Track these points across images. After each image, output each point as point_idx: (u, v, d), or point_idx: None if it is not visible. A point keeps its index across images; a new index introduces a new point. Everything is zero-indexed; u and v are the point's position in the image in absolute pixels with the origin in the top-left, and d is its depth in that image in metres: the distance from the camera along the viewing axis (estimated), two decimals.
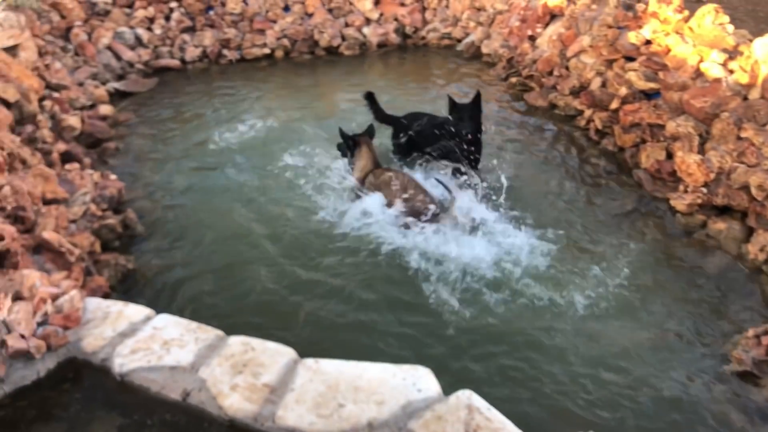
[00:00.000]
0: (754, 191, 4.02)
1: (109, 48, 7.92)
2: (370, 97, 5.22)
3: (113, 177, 5.09)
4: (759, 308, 3.54)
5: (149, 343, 2.54)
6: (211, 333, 2.58)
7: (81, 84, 7.06)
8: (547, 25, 6.89)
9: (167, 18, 8.36)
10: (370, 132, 4.79)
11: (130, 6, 8.34)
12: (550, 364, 3.19)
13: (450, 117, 4.78)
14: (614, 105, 5.33)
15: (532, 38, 6.97)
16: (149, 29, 8.26)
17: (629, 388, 3.06)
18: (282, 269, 3.97)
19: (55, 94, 6.18)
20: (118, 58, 7.91)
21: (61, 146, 5.27)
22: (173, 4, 8.42)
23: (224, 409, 2.26)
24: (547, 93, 6.22)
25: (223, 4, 8.46)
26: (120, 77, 7.68)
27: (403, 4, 8.57)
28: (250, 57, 8.19)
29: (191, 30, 8.33)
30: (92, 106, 6.67)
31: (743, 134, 4.20)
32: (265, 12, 8.42)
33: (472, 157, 4.65)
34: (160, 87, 7.52)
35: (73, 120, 5.84)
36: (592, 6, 6.27)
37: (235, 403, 2.25)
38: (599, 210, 4.56)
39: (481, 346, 3.28)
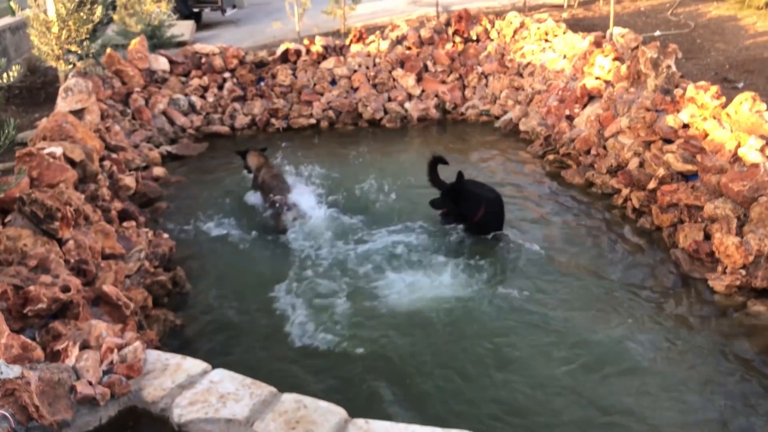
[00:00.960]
0: None
1: (164, 113, 8.39)
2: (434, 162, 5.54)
3: (165, 236, 5.35)
4: None
5: (206, 395, 2.67)
6: (265, 389, 2.69)
7: (136, 146, 7.47)
8: (585, 106, 7.12)
9: (220, 87, 8.84)
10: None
11: (186, 75, 8.85)
12: None
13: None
14: (652, 185, 5.45)
15: (570, 118, 7.20)
16: (203, 97, 8.74)
17: None
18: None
19: (114, 155, 6.55)
20: (172, 122, 8.36)
21: (118, 204, 5.57)
22: (226, 75, 8.92)
23: None
24: (584, 171, 6.37)
25: (274, 77, 8.93)
26: (173, 141, 8.09)
27: (444, 82, 8.94)
28: (297, 126, 8.57)
29: (242, 99, 8.78)
30: (146, 168, 7.04)
31: None
32: (313, 85, 8.85)
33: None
34: (210, 151, 7.90)
35: (128, 180, 6.16)
36: (630, 89, 6.50)
37: None
38: (636, 288, 4.62)
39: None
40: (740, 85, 6.57)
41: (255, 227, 5.67)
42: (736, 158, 4.86)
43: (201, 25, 12.90)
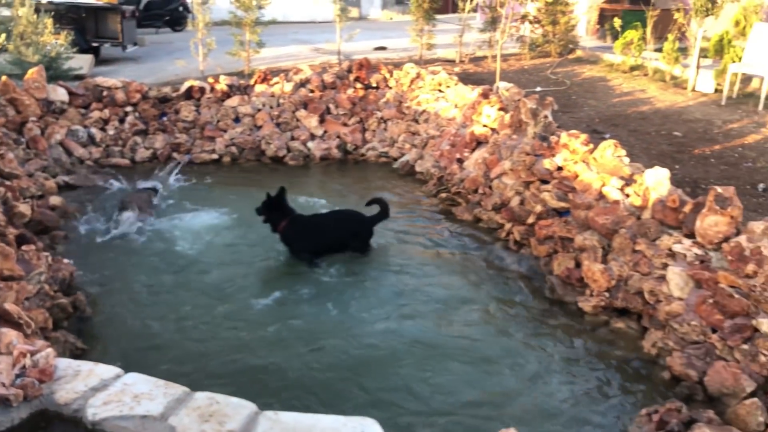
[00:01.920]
0: (646, 296, 4.70)
1: (61, 144, 8.27)
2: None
3: (66, 261, 5.32)
4: (652, 392, 4.09)
5: (120, 396, 2.80)
6: (178, 389, 2.86)
7: (31, 175, 7.32)
8: (473, 150, 7.77)
9: (121, 120, 8.83)
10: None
11: (86, 107, 8.79)
12: None
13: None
14: (531, 220, 6.06)
15: (460, 161, 7.81)
16: (103, 129, 8.69)
17: None
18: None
19: (7, 182, 6.41)
20: (69, 153, 8.25)
21: (13, 230, 5.47)
22: (128, 109, 8.93)
23: None
24: (473, 208, 6.94)
25: (177, 112, 9.05)
26: (69, 172, 7.97)
27: (345, 124, 9.39)
28: (199, 161, 8.68)
29: (144, 133, 8.81)
30: (41, 197, 6.91)
31: (637, 247, 4.94)
32: (217, 122, 9.04)
33: None
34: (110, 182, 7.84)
35: (23, 207, 6.05)
36: (513, 136, 7.19)
37: None
38: (516, 308, 5.13)
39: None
40: (607, 135, 7.42)
41: (156, 253, 5.82)
42: (601, 196, 5.55)
43: (100, 60, 12.75)
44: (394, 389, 4.03)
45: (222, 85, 9.30)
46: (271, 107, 9.26)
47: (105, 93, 8.88)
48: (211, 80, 9.47)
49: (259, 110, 9.18)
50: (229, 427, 2.62)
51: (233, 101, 9.20)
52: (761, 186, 5.93)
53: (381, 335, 4.64)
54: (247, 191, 7.15)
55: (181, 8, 19.84)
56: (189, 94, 9.22)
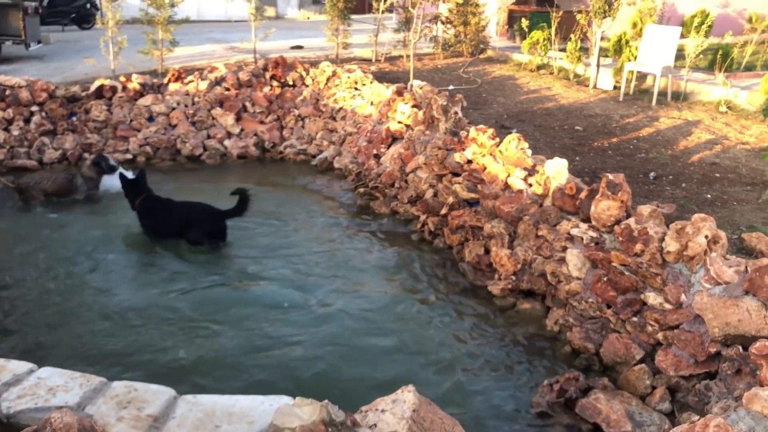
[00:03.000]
0: (548, 277, 5.04)
1: None
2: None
3: None
4: (554, 365, 4.41)
5: (35, 389, 2.80)
6: (95, 379, 2.89)
7: None
8: (389, 146, 7.99)
9: (27, 121, 8.52)
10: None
11: None
12: None
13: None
14: (444, 211, 6.33)
15: (377, 156, 8.01)
16: (6, 130, 8.36)
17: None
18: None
19: None
20: None
21: None
22: (34, 108, 8.63)
23: None
24: (390, 201, 7.15)
25: (87, 112, 8.81)
26: None
27: (262, 122, 9.42)
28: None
29: (52, 133, 8.53)
30: None
31: (540, 233, 5.28)
32: (130, 121, 8.86)
33: None
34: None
35: None
36: (426, 132, 7.46)
37: (122, 431, 2.58)
38: (433, 295, 5.37)
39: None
40: (514, 130, 7.81)
41: (67, 253, 5.75)
42: (506, 186, 5.88)
43: (1, 58, 12.19)
44: (312, 375, 4.17)
45: (134, 83, 9.13)
46: (186, 106, 9.17)
47: (8, 92, 8.55)
48: (123, 79, 9.28)
49: (174, 109, 9.07)
50: (148, 411, 2.68)
51: (146, 100, 9.05)
52: (652, 174, 6.44)
53: (297, 327, 4.77)
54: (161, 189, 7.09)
55: (88, 5, 19.18)
56: (100, 94, 9.00)
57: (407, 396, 1.97)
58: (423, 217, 6.61)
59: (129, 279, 5.49)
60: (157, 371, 3.99)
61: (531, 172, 5.81)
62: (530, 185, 5.69)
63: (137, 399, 2.76)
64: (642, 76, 10.03)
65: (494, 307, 5.20)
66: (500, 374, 4.35)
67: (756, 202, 5.66)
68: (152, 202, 6.23)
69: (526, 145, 6.15)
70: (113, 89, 9.04)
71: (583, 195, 5.10)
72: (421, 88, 8.67)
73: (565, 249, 5.00)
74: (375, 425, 1.87)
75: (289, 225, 6.68)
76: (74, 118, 8.75)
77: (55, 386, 2.83)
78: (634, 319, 4.33)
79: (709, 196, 5.84)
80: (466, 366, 4.40)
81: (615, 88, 10.14)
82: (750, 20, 14.64)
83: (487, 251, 5.66)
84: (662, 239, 4.36)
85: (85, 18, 18.91)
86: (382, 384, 4.06)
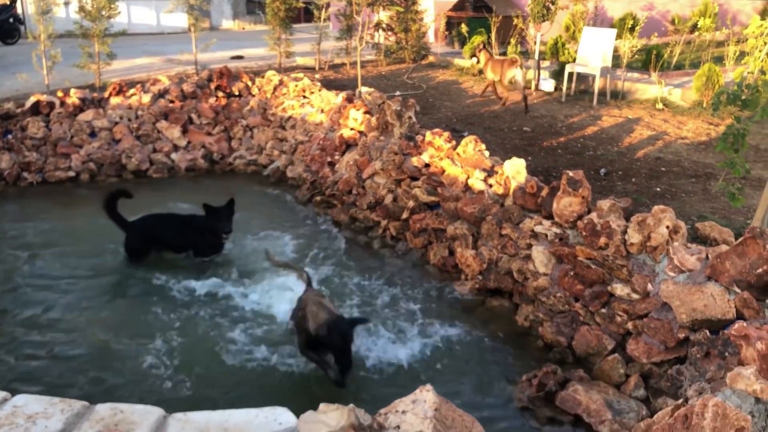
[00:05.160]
0: (515, 275, 5.13)
1: None
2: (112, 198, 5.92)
3: None
4: (529, 360, 4.48)
5: (12, 419, 2.63)
6: (76, 404, 2.74)
7: None
8: (344, 152, 7.97)
9: None
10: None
11: None
12: None
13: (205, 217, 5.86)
14: (405, 215, 6.35)
15: (332, 164, 7.98)
16: None
17: None
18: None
19: None
20: None
21: None
22: None
23: None
24: (348, 209, 7.12)
25: (23, 129, 8.42)
26: None
27: (209, 134, 9.22)
28: (53, 180, 8.15)
29: None
30: None
31: (503, 232, 5.37)
32: (70, 137, 8.52)
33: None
34: None
35: None
36: (380, 137, 7.48)
37: None
38: (400, 299, 5.37)
39: None
40: (465, 133, 7.92)
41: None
42: (467, 188, 5.95)
43: None
44: (292, 383, 4.11)
45: (73, 98, 8.80)
46: (130, 119, 8.89)
47: None
48: (60, 94, 8.92)
49: (117, 123, 8.78)
50: None
51: (87, 115, 8.73)
52: (603, 170, 6.65)
53: (268, 340, 4.69)
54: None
55: (11, 20, 18.37)
56: (36, 110, 8.63)
57: (427, 395, 1.96)
58: (384, 223, 6.61)
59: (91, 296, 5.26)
60: (140, 390, 3.83)
61: (490, 173, 5.91)
62: (491, 186, 5.79)
63: (125, 421, 2.64)
64: (582, 78, 10.36)
65: (463, 307, 5.25)
66: (474, 373, 4.39)
67: (702, 194, 5.93)
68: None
69: (484, 146, 6.25)
70: (51, 105, 8.68)
71: (544, 193, 5.22)
72: (369, 95, 8.68)
73: (530, 246, 5.10)
74: (398, 427, 1.85)
75: (246, 238, 6.55)
76: (9, 136, 8.34)
77: (34, 414, 2.67)
78: (603, 310, 4.45)
79: (658, 189, 6.08)
80: (439, 368, 4.41)
81: (556, 89, 10.44)
82: (673, 22, 15.38)
83: (452, 252, 5.71)
84: (624, 232, 4.51)
85: (9, 33, 18.08)
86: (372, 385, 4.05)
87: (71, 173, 8.26)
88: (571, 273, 4.72)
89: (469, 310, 5.21)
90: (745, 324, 3.43)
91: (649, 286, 4.24)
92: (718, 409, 2.32)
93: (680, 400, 3.01)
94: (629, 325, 4.27)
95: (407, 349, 4.59)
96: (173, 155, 8.78)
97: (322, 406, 2.10)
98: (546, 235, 5.03)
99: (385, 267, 5.99)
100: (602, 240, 4.57)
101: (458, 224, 5.77)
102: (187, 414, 2.71)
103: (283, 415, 2.72)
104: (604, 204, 4.79)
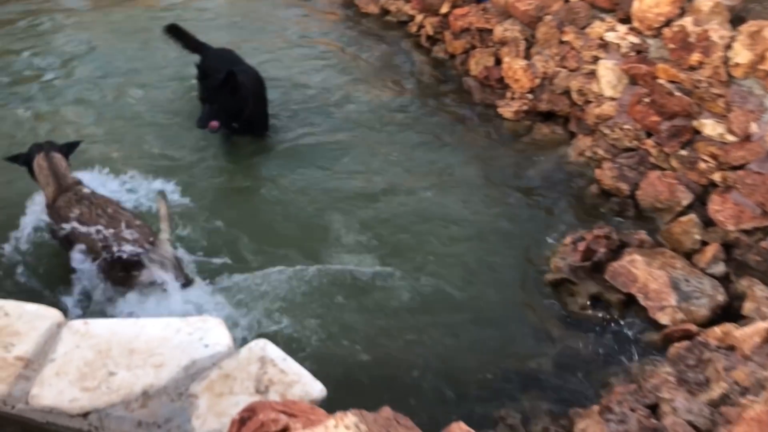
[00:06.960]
0: (574, 96, 4.04)
1: None
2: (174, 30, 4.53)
3: None
4: (579, 211, 3.59)
5: None
6: None
7: None
8: None
9: None
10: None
11: None
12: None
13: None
14: (444, 9, 5.09)
15: None
16: None
17: (444, 300, 3.03)
18: None
19: None
20: None
21: None
22: None
23: None
24: None
25: None
26: None
27: None
28: None
29: None
30: None
31: (565, 37, 4.14)
32: None
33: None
34: None
35: None
36: None
37: None
38: (435, 116, 4.43)
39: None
40: None
41: None
42: None
43: None
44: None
45: None
46: None
47: None
48: None
49: None
50: (18, 352, 1.93)
51: None
52: None
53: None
54: None
55: None
56: None
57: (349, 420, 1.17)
58: (419, 18, 5.39)
59: None
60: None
61: None
62: None
63: (6, 330, 2.00)
64: None
65: (506, 133, 4.28)
66: (511, 221, 3.57)
67: None
68: None
69: None
70: None
71: None
72: None
73: (596, 60, 3.92)
74: None
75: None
76: None
77: None
78: (683, 152, 3.42)
79: None
80: (468, 210, 3.63)
81: None
82: None
83: (498, 62, 4.57)
84: (729, 46, 3.25)
85: None
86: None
87: None
88: (647, 100, 3.59)
89: (512, 138, 4.23)
90: None
91: (753, 127, 3.11)
92: None
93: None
94: (716, 176, 3.24)
95: (429, 181, 3.80)
96: None
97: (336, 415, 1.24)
98: (619, 46, 3.79)
99: (415, 74, 4.93)
100: (695, 57, 3.34)
101: (509, 24, 4.53)
102: (89, 322, 2.05)
103: (213, 331, 2.04)
104: (705, 4, 3.45)
